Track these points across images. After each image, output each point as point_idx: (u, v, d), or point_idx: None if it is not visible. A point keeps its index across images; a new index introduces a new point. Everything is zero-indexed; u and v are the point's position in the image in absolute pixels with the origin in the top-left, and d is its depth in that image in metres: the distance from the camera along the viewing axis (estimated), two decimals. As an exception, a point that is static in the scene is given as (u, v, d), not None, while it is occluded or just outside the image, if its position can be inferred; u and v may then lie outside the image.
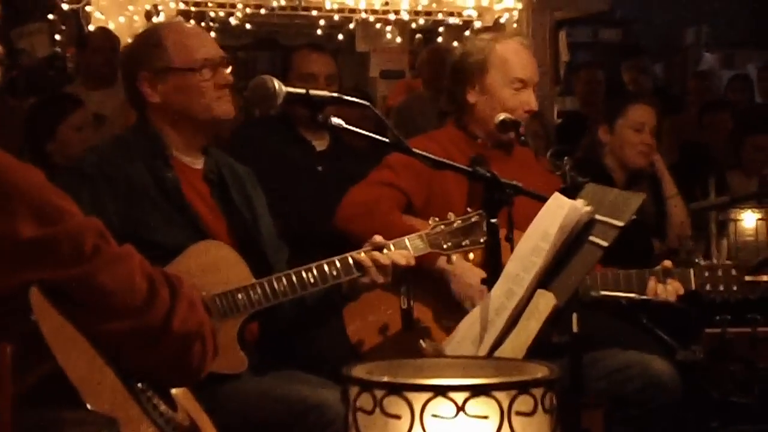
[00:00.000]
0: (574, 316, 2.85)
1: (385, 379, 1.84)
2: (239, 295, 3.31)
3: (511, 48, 4.08)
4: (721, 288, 3.74)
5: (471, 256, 3.62)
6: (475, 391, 1.75)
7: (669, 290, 3.64)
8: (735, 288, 3.74)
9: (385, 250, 3.41)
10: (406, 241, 3.50)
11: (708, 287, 3.74)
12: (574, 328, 2.86)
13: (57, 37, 9.55)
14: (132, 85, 3.51)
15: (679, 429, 3.78)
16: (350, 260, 3.39)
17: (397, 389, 1.78)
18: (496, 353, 2.72)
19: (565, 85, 10.48)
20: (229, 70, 3.52)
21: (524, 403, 1.76)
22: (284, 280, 3.34)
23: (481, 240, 3.45)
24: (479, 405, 1.75)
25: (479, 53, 4.09)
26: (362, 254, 3.40)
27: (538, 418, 1.78)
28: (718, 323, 3.77)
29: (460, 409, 1.75)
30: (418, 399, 1.76)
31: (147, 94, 3.47)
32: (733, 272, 3.75)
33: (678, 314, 3.61)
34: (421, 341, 3.42)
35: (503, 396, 1.75)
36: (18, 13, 9.41)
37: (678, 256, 4.96)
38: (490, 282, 2.95)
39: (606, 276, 3.71)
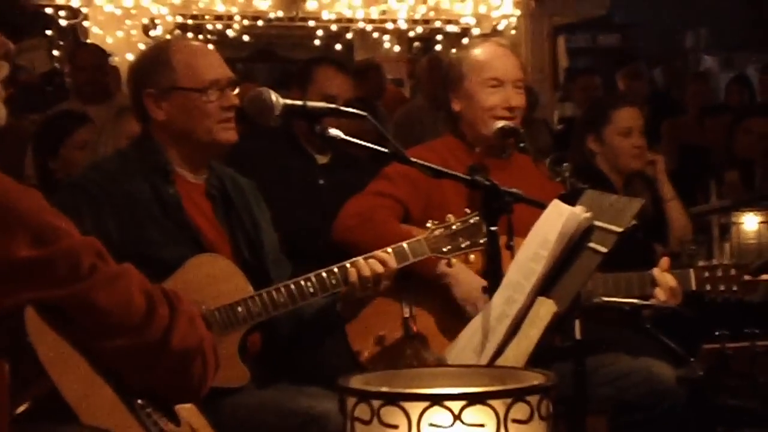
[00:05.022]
0: (577, 322, 2.84)
1: (382, 389, 1.84)
2: (239, 308, 3.31)
3: (485, 50, 4.11)
4: (722, 288, 3.73)
5: (472, 257, 3.61)
6: (472, 399, 1.75)
7: (663, 284, 3.61)
8: (735, 288, 3.73)
9: (361, 258, 3.41)
10: (405, 245, 3.49)
11: (708, 287, 3.73)
12: (577, 335, 2.85)
13: (55, 52, 9.58)
14: (137, 100, 3.51)
15: (684, 434, 3.77)
16: (349, 268, 3.39)
17: (394, 399, 1.78)
18: (498, 361, 2.72)
19: (565, 91, 10.49)
20: (236, 91, 3.52)
21: (520, 410, 1.76)
22: (283, 290, 3.34)
23: (481, 241, 3.44)
24: (476, 413, 1.75)
25: (456, 61, 4.14)
26: (359, 261, 3.40)
27: (535, 426, 1.78)
28: (717, 339, 3.75)
29: (457, 417, 1.75)
30: (414, 408, 1.76)
31: (151, 111, 3.47)
32: (733, 272, 3.74)
33: (680, 319, 3.59)
34: (423, 352, 3.42)
35: (499, 404, 1.76)
36: (16, 29, 9.43)
37: (680, 260, 4.95)
38: (490, 290, 2.95)
39: (607, 281, 3.71)
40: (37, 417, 1.97)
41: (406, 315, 3.67)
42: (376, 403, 1.79)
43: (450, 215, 3.55)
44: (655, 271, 3.62)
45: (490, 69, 4.03)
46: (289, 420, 3.23)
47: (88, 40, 9.23)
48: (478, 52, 4.10)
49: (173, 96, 3.45)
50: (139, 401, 2.18)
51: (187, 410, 2.43)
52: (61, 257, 1.95)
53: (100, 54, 7.95)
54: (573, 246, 2.79)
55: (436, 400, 1.76)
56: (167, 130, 3.48)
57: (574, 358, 2.90)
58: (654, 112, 8.11)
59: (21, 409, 1.95)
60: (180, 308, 2.18)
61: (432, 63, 8.77)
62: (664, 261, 3.68)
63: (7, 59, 2.19)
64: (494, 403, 1.75)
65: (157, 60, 3.51)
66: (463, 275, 3.75)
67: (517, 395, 1.77)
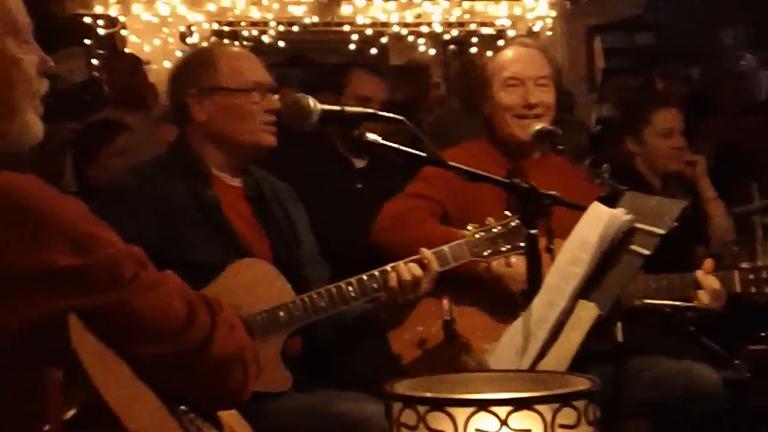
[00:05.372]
0: (618, 325, 2.83)
1: (428, 394, 1.84)
2: (280, 312, 3.31)
3: (507, 51, 4.13)
4: (767, 289, 3.69)
5: (512, 260, 3.60)
6: (518, 404, 1.75)
7: (707, 286, 3.57)
8: None
9: (402, 263, 3.40)
10: (446, 249, 3.48)
11: (753, 289, 3.69)
12: (619, 338, 2.83)
13: (94, 61, 9.63)
14: (178, 100, 3.53)
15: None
16: (390, 272, 3.39)
17: (440, 404, 1.78)
18: (540, 365, 2.70)
19: (601, 92, 10.43)
20: (277, 97, 3.53)
21: (567, 415, 1.76)
22: (325, 294, 3.34)
23: (521, 244, 3.42)
24: (522, 419, 1.74)
25: (482, 67, 4.16)
26: (400, 265, 3.39)
27: (582, 431, 1.77)
28: (762, 339, 3.72)
29: (503, 423, 1.74)
30: (461, 414, 1.76)
31: (194, 111, 3.48)
32: None
33: (719, 321, 3.56)
34: (464, 355, 3.41)
35: (546, 409, 1.75)
36: (55, 39, 9.48)
37: (722, 261, 4.92)
38: (530, 293, 2.93)
39: (648, 283, 3.68)
40: (81, 424, 1.98)
41: (447, 317, 3.67)
42: (422, 408, 1.79)
43: (490, 218, 3.54)
44: (699, 273, 3.59)
45: (509, 69, 4.04)
46: (330, 424, 3.24)
47: (126, 49, 9.28)
48: (501, 54, 4.12)
49: (216, 96, 3.47)
50: (182, 407, 2.18)
51: (229, 415, 2.43)
52: (101, 265, 1.95)
53: (135, 61, 8.00)
54: (614, 249, 2.77)
55: (483, 405, 1.75)
56: (207, 130, 3.49)
57: (614, 361, 2.88)
58: (691, 112, 8.06)
59: (67, 415, 1.95)
60: (221, 315, 2.18)
61: (465, 66, 8.76)
62: (708, 263, 3.63)
63: (48, 75, 2.21)
64: (541, 408, 1.75)
65: (200, 61, 3.54)
66: (509, 270, 3.72)
67: (563, 400, 1.77)
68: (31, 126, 2.14)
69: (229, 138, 3.48)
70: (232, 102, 3.46)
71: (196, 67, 3.53)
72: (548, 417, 1.75)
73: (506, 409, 1.75)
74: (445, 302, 3.71)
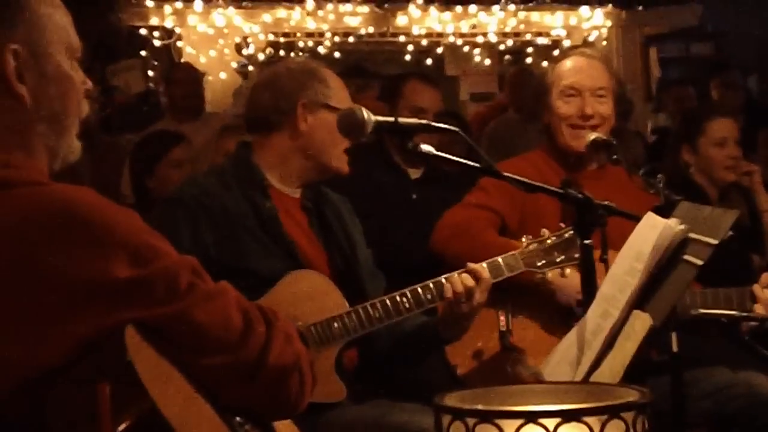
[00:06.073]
0: (674, 335, 2.81)
1: (477, 406, 1.84)
2: (335, 324, 3.32)
3: (567, 61, 4.14)
4: None
5: (567, 271, 3.60)
6: (566, 416, 1.75)
7: (764, 300, 3.56)
8: None
9: (456, 274, 3.40)
10: (500, 260, 3.49)
11: None
12: (674, 348, 2.82)
13: (150, 73, 9.70)
14: (284, 106, 3.53)
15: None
16: (444, 283, 3.40)
17: (489, 417, 1.78)
18: (594, 375, 2.70)
19: (658, 102, 10.37)
20: None
21: (616, 427, 1.76)
22: (379, 306, 3.35)
23: (575, 255, 3.42)
24: (571, 430, 1.74)
25: (543, 76, 4.18)
26: (454, 276, 3.40)
27: (631, 442, 1.77)
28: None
29: (552, 434, 1.75)
30: (509, 426, 1.76)
31: (300, 119, 3.51)
32: None
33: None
34: (519, 366, 3.40)
35: (594, 421, 1.75)
36: (112, 51, 9.57)
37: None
38: (584, 303, 2.93)
39: (705, 294, 3.66)
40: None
41: (503, 328, 3.67)
42: (471, 420, 1.79)
43: (545, 230, 3.54)
44: (756, 288, 3.58)
45: (567, 78, 4.05)
46: (386, 435, 3.24)
47: (182, 60, 9.34)
48: (561, 64, 4.13)
49: (324, 113, 3.51)
50: (238, 418, 2.19)
51: (284, 426, 2.44)
52: (158, 277, 1.96)
53: (194, 70, 8.09)
54: (668, 259, 2.76)
55: (531, 417, 1.76)
56: (301, 143, 3.52)
57: (671, 372, 2.87)
58: (749, 121, 7.99)
59: (120, 428, 1.96)
60: (276, 325, 2.18)
61: (519, 76, 8.76)
62: (766, 277, 3.63)
63: (89, 97, 2.23)
64: (589, 420, 1.75)
65: (313, 75, 3.56)
66: (563, 281, 3.72)
67: (612, 412, 1.77)
68: (74, 145, 2.17)
69: (319, 156, 3.52)
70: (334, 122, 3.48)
71: (310, 80, 3.55)
72: (596, 429, 1.75)
73: (555, 420, 1.75)
74: (501, 313, 3.71)
